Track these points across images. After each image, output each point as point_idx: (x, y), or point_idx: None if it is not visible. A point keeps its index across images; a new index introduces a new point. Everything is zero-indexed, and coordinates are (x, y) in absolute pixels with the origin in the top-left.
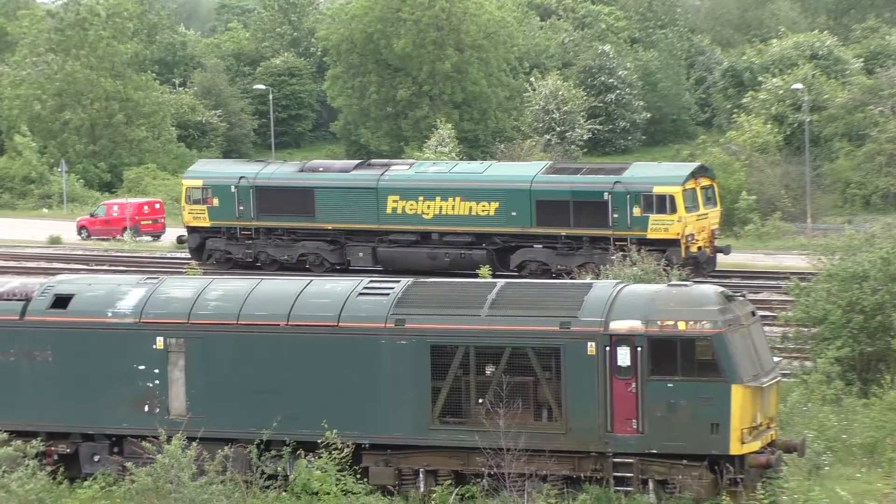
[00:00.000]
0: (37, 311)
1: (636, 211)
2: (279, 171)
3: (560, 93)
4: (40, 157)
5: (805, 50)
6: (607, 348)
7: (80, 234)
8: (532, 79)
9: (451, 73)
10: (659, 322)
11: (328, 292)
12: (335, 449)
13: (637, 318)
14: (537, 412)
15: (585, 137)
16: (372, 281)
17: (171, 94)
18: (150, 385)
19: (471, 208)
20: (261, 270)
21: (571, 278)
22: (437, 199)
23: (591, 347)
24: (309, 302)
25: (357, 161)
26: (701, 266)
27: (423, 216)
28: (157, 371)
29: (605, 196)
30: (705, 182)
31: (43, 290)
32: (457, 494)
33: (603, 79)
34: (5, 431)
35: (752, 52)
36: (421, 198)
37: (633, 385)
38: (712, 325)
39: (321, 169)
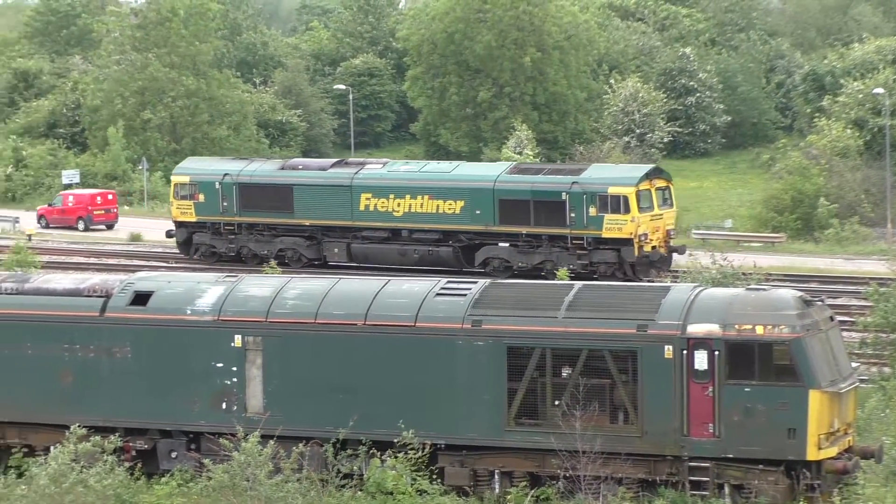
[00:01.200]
0: (117, 308)
1: (592, 211)
2: (261, 168)
3: (640, 95)
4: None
5: (887, 54)
6: (684, 352)
7: (39, 222)
8: (612, 80)
9: (532, 73)
10: (737, 326)
11: (406, 292)
12: (411, 449)
13: (715, 322)
14: (613, 415)
15: (665, 140)
16: (449, 281)
17: (252, 94)
18: (228, 382)
19: (438, 206)
20: (244, 265)
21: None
22: (407, 197)
23: (668, 350)
24: (386, 302)
25: (334, 160)
26: (654, 265)
27: (394, 214)
28: (234, 369)
29: (563, 196)
30: (661, 183)
31: (123, 287)
32: (532, 496)
33: (683, 81)
34: (84, 427)
35: (833, 55)
36: (392, 196)
37: (710, 389)
38: (790, 329)
39: (300, 167)
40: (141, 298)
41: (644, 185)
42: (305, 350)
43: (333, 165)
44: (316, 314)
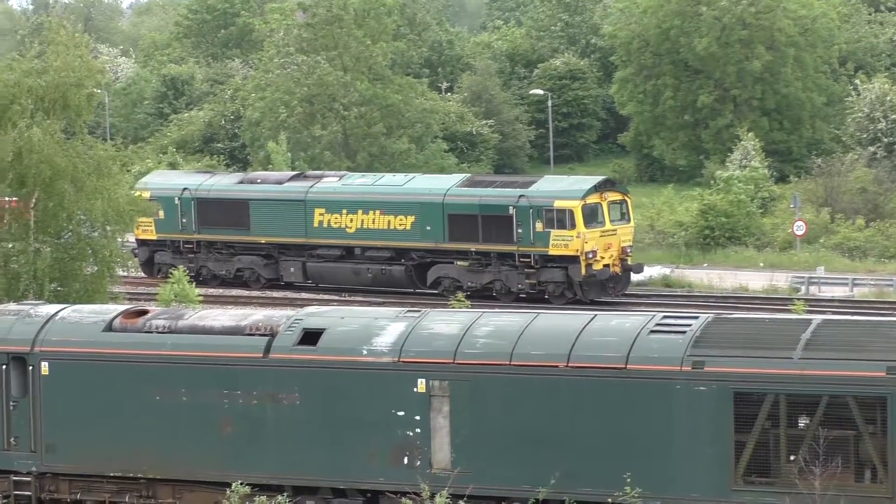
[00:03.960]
0: (283, 348)
1: (538, 226)
2: (219, 182)
3: (888, 98)
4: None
5: None
6: None
7: None
8: (857, 81)
9: (761, 75)
10: None
11: (615, 329)
12: None
13: None
14: (859, 472)
15: None
16: (666, 317)
17: (438, 101)
18: (410, 434)
19: (389, 222)
20: (205, 286)
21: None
22: (360, 212)
23: None
24: (592, 340)
25: (293, 173)
26: (604, 285)
27: (347, 230)
28: (417, 418)
29: (511, 210)
30: (614, 197)
31: (290, 325)
32: None
33: None
34: (248, 485)
35: None
36: (345, 211)
37: None
38: None
39: (258, 181)
40: (310, 337)
41: (592, 199)
42: (499, 396)
43: (291, 179)
44: (511, 355)
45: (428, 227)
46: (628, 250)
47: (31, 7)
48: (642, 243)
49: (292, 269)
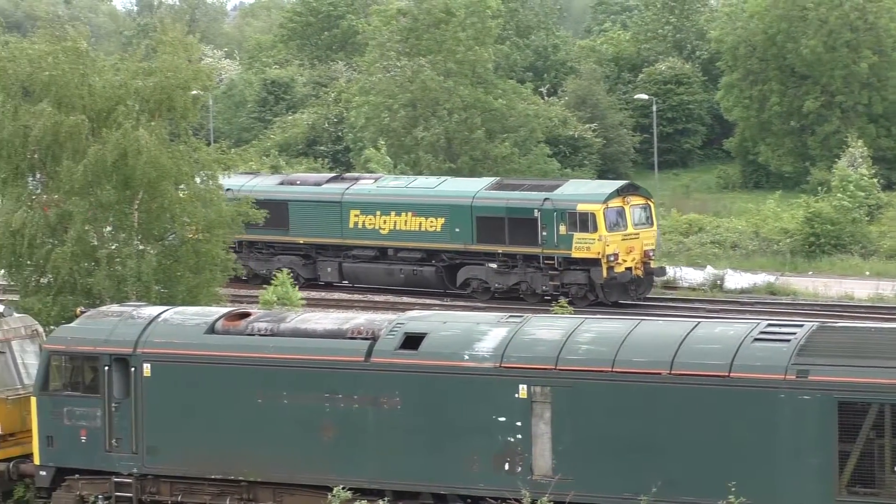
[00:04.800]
0: (384, 353)
1: (562, 229)
2: (261, 184)
3: None
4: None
5: None
6: None
7: None
8: None
9: (868, 80)
10: None
11: (718, 336)
12: None
13: None
14: None
15: None
16: (770, 325)
17: (541, 105)
18: (511, 440)
19: (420, 224)
20: (246, 284)
21: None
22: (392, 214)
23: None
24: (695, 347)
25: (331, 174)
26: (626, 288)
27: (381, 231)
28: (519, 424)
29: (535, 213)
30: (637, 201)
31: (392, 329)
32: None
33: None
34: (349, 489)
35: None
36: (378, 212)
37: None
38: None
39: (298, 182)
40: (412, 341)
41: (615, 202)
42: (601, 403)
43: (329, 181)
44: (613, 361)
45: (457, 229)
46: (651, 254)
47: (135, 9)
48: (746, 250)
49: (329, 269)
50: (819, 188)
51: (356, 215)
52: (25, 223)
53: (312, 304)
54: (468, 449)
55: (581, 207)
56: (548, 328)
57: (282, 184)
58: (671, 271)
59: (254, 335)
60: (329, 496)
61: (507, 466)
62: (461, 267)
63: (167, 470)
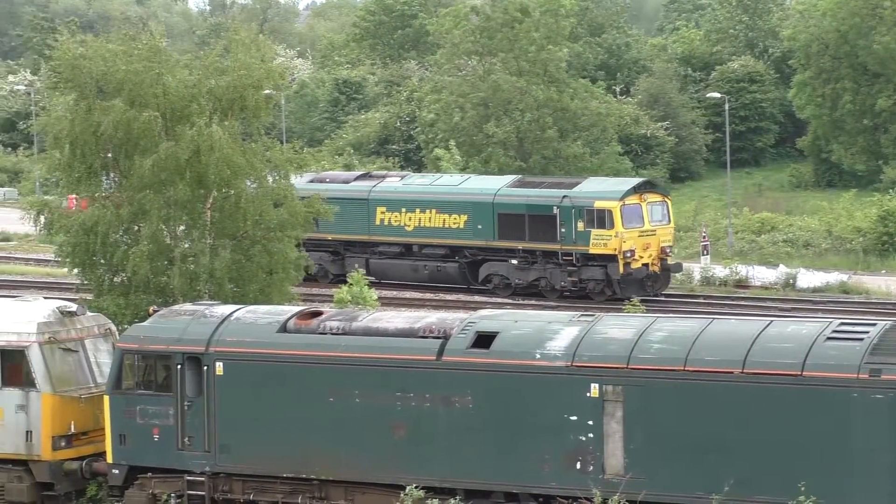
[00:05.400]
0: (456, 351)
1: (580, 225)
2: (293, 181)
3: None
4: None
5: None
6: None
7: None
8: None
9: None
10: None
11: (791, 335)
12: None
13: None
14: None
15: None
16: (843, 323)
17: (613, 104)
18: (583, 439)
19: (444, 221)
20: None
21: None
22: (417, 211)
23: None
24: (768, 346)
25: (359, 172)
26: (643, 283)
27: (406, 228)
28: (590, 423)
29: (554, 210)
30: (654, 198)
31: (463, 327)
32: None
33: None
34: (421, 488)
35: None
36: (404, 209)
37: None
38: None
39: (327, 179)
40: (483, 340)
41: (632, 200)
42: (672, 401)
43: (357, 178)
44: (685, 360)
45: (479, 226)
46: (668, 250)
47: (208, 8)
48: (818, 248)
49: (356, 266)
50: (893, 186)
51: (382, 212)
52: (98, 220)
53: (385, 302)
54: (539, 448)
55: (598, 204)
56: (619, 327)
57: (312, 181)
58: (743, 270)
59: (326, 334)
60: (401, 495)
61: (578, 465)
62: (483, 263)
63: (239, 468)
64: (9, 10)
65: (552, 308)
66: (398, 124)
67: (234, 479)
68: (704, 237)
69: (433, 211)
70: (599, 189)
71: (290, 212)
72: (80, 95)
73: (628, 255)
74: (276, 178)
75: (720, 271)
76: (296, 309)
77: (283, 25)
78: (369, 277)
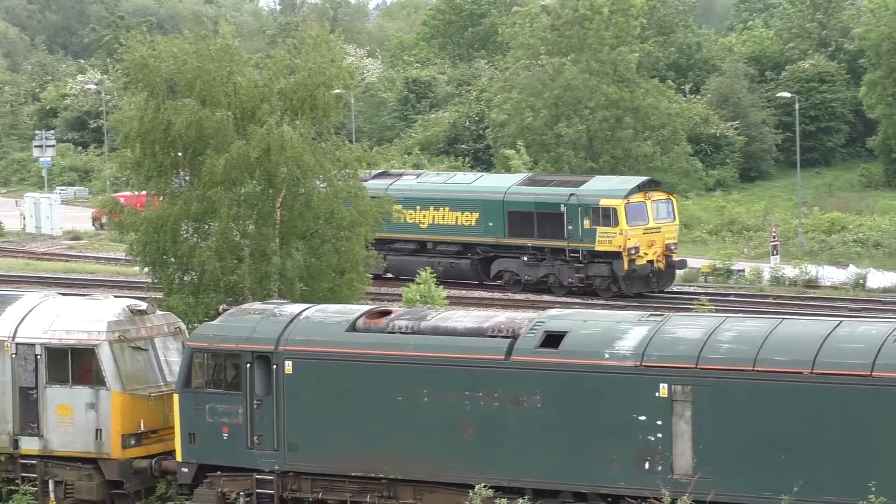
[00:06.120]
0: (525, 351)
1: (586, 223)
2: None
3: None
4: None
5: None
6: None
7: (93, 224)
8: None
9: None
10: None
11: (861, 336)
12: None
13: None
14: None
15: None
16: None
17: (684, 103)
18: (652, 438)
19: (457, 218)
20: None
21: None
22: (431, 208)
23: None
24: (838, 346)
25: (377, 171)
26: (647, 280)
27: (420, 225)
28: (659, 422)
29: (562, 208)
30: (659, 196)
31: (532, 327)
32: None
33: None
34: (489, 487)
35: None
36: (418, 207)
37: None
38: None
39: None
40: (552, 340)
41: (636, 198)
42: (742, 402)
43: (374, 177)
44: (754, 360)
45: (490, 224)
46: (672, 247)
47: (278, 7)
48: (889, 248)
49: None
50: None
51: (398, 210)
52: (167, 217)
53: (453, 302)
54: (608, 448)
55: (604, 202)
56: (689, 327)
57: None
58: (813, 270)
59: (395, 333)
60: (469, 494)
61: (647, 465)
62: (495, 259)
63: (308, 467)
64: (79, 8)
65: (589, 305)
66: (467, 124)
67: (303, 477)
68: (774, 237)
69: (447, 209)
70: (605, 187)
71: (360, 211)
72: (150, 94)
73: (633, 251)
74: (346, 176)
75: (790, 271)
76: (365, 308)
77: (353, 25)
78: (386, 275)
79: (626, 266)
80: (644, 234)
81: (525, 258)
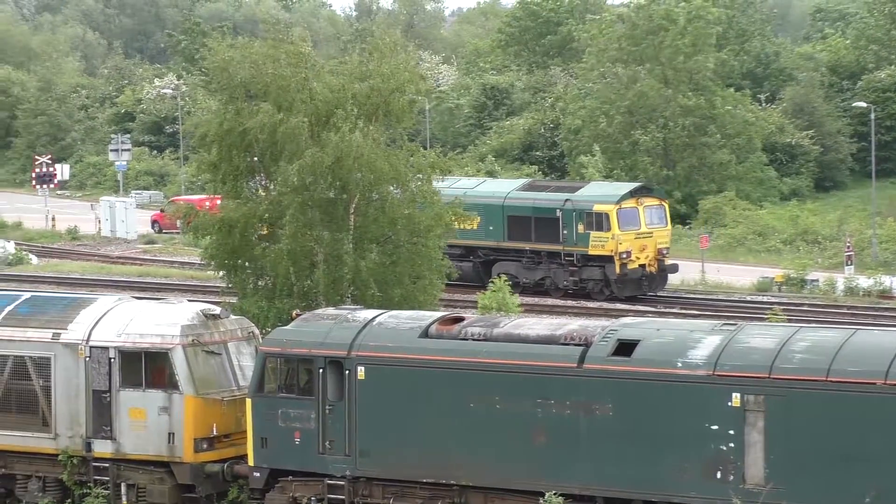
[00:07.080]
0: (597, 359)
1: (580, 228)
2: None
3: None
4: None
5: None
6: None
7: (153, 227)
8: None
9: None
10: None
11: None
12: None
13: None
14: None
15: None
16: None
17: (760, 112)
18: (724, 448)
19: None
20: None
21: None
22: None
23: None
24: None
25: None
26: (639, 283)
27: None
28: (731, 432)
29: (557, 213)
30: (651, 202)
31: (605, 335)
32: None
33: None
34: (560, 495)
35: None
36: None
37: None
38: None
39: None
40: (625, 348)
41: (628, 203)
42: (815, 412)
43: None
44: (828, 371)
45: (491, 227)
46: (664, 252)
47: (354, 13)
48: None
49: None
50: None
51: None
52: (238, 218)
53: (526, 309)
54: (680, 457)
55: (597, 208)
56: (762, 336)
57: None
58: (887, 280)
59: (467, 340)
60: (540, 501)
61: (718, 475)
62: (495, 262)
63: (379, 473)
64: (154, 12)
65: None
66: (542, 131)
67: (374, 483)
68: (849, 247)
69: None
70: (598, 193)
71: (434, 216)
72: (229, 98)
73: (624, 256)
74: (420, 182)
75: (864, 282)
76: (437, 314)
77: (429, 31)
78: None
79: (618, 270)
80: (636, 238)
81: (524, 261)
